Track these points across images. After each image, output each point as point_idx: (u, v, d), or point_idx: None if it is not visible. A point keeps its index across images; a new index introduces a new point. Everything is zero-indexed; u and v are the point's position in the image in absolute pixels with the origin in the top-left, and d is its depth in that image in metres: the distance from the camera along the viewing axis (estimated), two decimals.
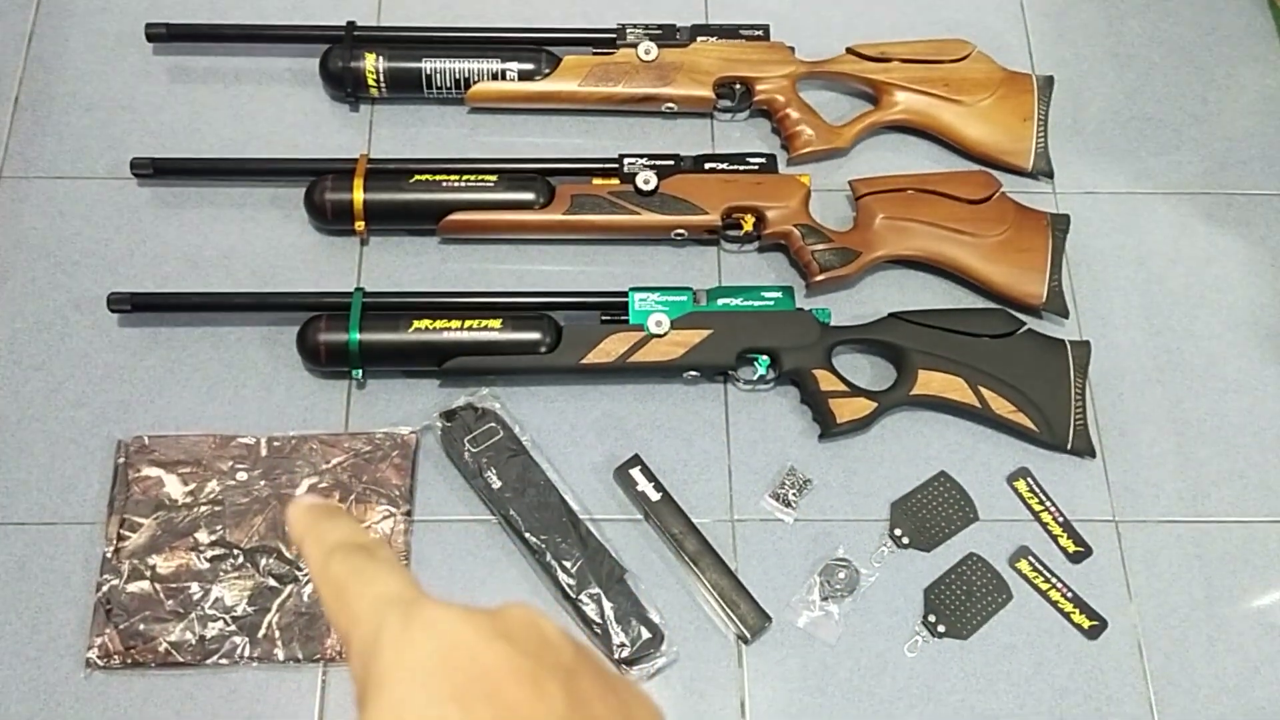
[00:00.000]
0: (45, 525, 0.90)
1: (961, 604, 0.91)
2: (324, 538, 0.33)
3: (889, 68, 1.08)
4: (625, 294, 0.96)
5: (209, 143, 1.06)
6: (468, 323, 0.93)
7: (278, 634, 0.86)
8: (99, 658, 0.85)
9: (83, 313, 0.98)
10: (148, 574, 0.87)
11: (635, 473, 0.92)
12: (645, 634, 0.86)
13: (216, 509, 0.90)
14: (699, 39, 1.07)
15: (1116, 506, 0.96)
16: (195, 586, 0.87)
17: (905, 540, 0.93)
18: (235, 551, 0.88)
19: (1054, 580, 0.92)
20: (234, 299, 0.97)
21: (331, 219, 0.99)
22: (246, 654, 0.86)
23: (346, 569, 0.32)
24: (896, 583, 0.92)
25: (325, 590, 0.32)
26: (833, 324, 0.98)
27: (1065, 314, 1.01)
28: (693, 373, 0.96)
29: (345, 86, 1.05)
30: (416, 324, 0.93)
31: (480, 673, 0.28)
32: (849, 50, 1.09)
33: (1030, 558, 0.93)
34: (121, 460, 0.91)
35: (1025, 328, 0.99)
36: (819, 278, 0.99)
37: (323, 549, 0.33)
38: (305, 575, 0.88)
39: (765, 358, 0.96)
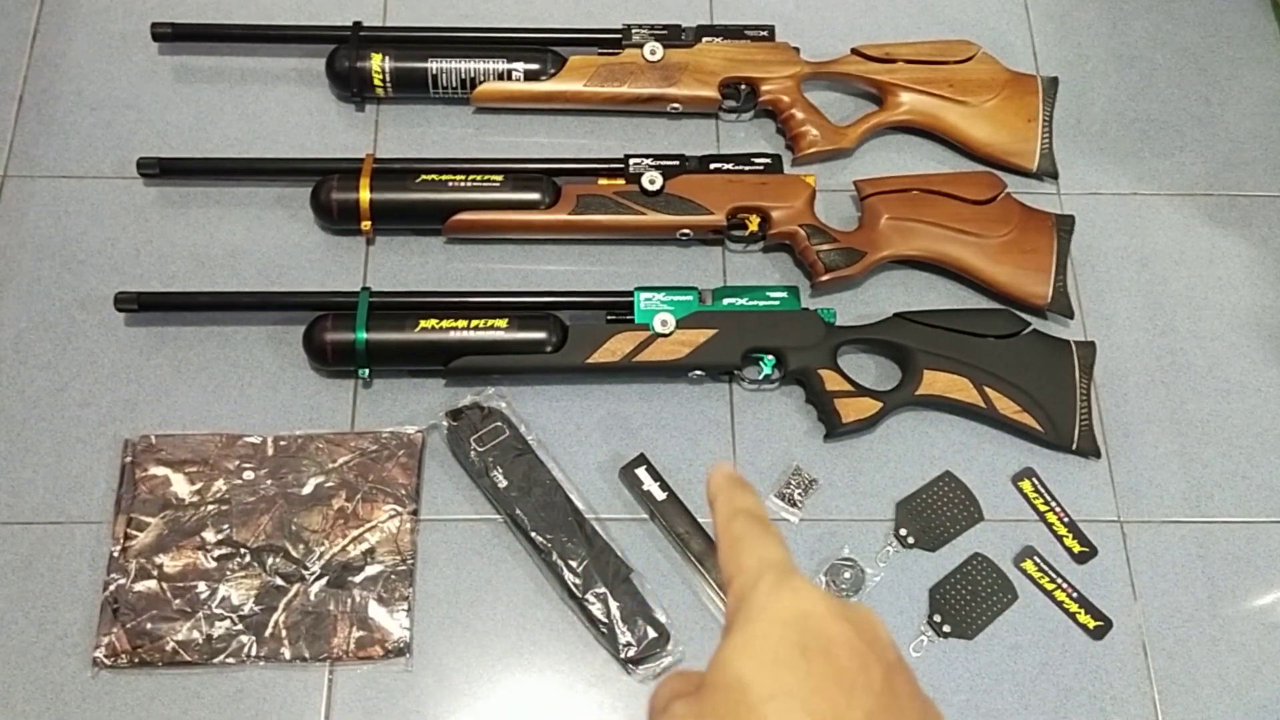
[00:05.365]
0: (52, 524, 0.90)
1: (967, 604, 0.91)
2: (733, 500, 0.41)
3: (894, 68, 1.08)
4: (631, 294, 0.96)
5: (215, 142, 1.07)
6: (474, 322, 0.93)
7: (284, 633, 0.86)
8: (106, 657, 0.85)
9: (89, 312, 0.98)
10: (155, 573, 0.87)
11: (641, 472, 0.93)
12: (651, 633, 0.86)
13: (223, 508, 0.90)
14: (704, 39, 1.07)
15: (1121, 507, 0.96)
16: (202, 586, 0.87)
17: (910, 540, 0.93)
18: (242, 551, 0.89)
19: (1059, 580, 0.92)
20: (240, 298, 0.98)
21: (338, 219, 1.00)
22: (253, 653, 0.86)
23: (745, 529, 0.39)
24: (901, 583, 0.92)
25: (724, 540, 0.40)
26: (838, 324, 0.98)
27: (1070, 314, 1.02)
28: (698, 372, 0.96)
29: (351, 86, 1.05)
30: (423, 323, 0.93)
31: (823, 637, 0.34)
32: (854, 51, 1.09)
33: (1035, 558, 0.93)
34: (128, 459, 0.91)
35: (1030, 328, 0.99)
36: (824, 278, 1.00)
37: (730, 509, 0.40)
38: (311, 574, 0.88)
39: (771, 357, 0.96)
